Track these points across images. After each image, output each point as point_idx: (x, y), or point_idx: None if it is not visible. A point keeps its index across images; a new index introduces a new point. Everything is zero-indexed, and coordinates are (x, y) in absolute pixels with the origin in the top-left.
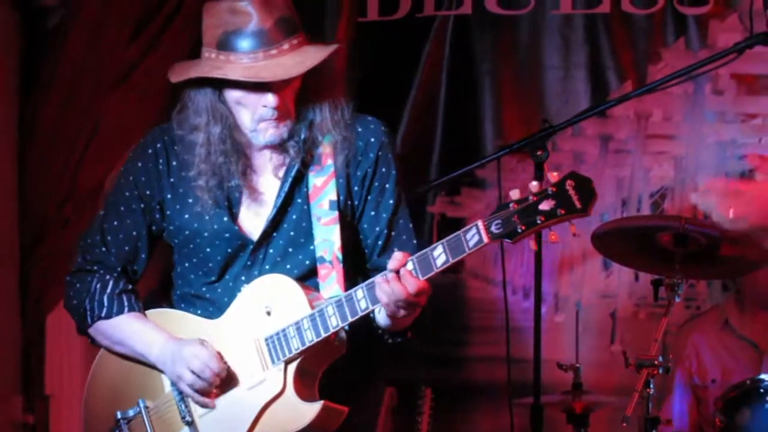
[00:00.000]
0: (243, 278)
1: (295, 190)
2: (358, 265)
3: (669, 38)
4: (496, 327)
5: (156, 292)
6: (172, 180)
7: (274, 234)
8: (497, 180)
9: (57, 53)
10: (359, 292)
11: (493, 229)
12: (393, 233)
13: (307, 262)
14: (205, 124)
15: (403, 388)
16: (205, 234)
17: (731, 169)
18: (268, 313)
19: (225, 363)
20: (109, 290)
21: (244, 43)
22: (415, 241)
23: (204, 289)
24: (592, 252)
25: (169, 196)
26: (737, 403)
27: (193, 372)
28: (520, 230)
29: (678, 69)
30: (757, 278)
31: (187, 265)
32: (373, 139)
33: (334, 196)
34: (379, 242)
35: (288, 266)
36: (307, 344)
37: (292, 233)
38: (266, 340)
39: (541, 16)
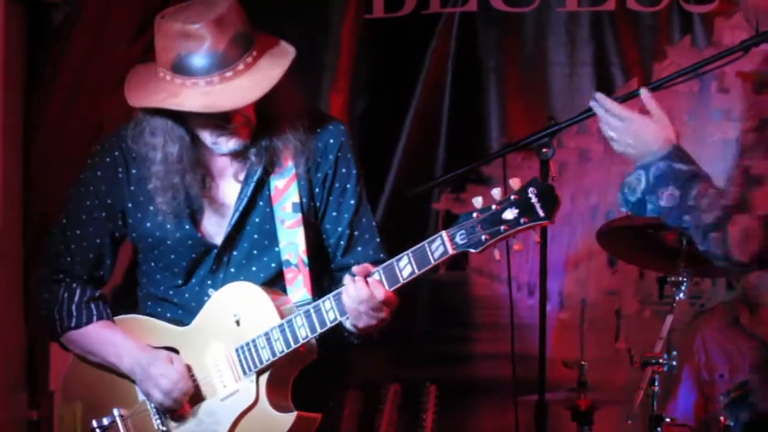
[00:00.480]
0: (209, 282)
1: (257, 193)
2: (323, 267)
3: (675, 36)
4: (501, 324)
5: (121, 288)
6: (132, 188)
7: (238, 238)
8: (503, 177)
9: (61, 51)
10: (327, 302)
11: (457, 239)
12: (356, 233)
13: (273, 265)
14: (162, 145)
15: (407, 384)
16: (168, 242)
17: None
18: (237, 323)
19: (194, 380)
20: (77, 299)
21: (199, 67)
22: (378, 239)
23: (171, 292)
24: (598, 249)
25: (129, 204)
26: (743, 401)
27: (161, 391)
28: (484, 239)
29: (683, 67)
30: (762, 277)
31: (152, 265)
32: (332, 140)
33: (296, 198)
34: (342, 242)
35: (254, 269)
36: (278, 355)
37: (255, 236)
38: (237, 350)
39: (547, 13)
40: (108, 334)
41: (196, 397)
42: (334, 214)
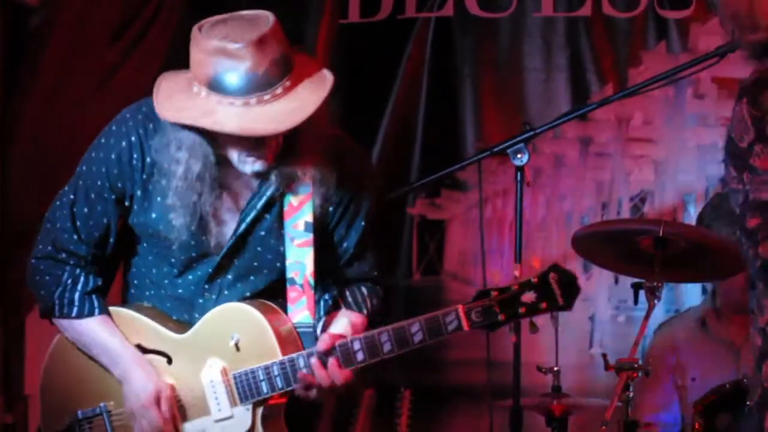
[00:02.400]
0: (206, 286)
1: (268, 207)
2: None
3: (650, 41)
4: (475, 329)
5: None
6: (144, 176)
7: (242, 247)
8: (478, 182)
9: (38, 55)
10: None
11: (473, 317)
12: (358, 251)
13: (273, 279)
14: (186, 160)
15: (382, 389)
16: (172, 236)
17: (712, 173)
18: (237, 347)
19: (185, 395)
20: (80, 287)
21: (237, 87)
22: (375, 258)
23: (166, 281)
24: (572, 255)
25: (139, 192)
26: (717, 406)
27: (140, 428)
28: (500, 320)
29: (659, 72)
30: (728, 282)
31: (148, 249)
32: (355, 168)
33: (310, 218)
34: (343, 258)
35: (252, 278)
36: (276, 391)
37: (258, 249)
38: (235, 377)
39: (522, 18)
40: (106, 336)
41: (191, 411)
42: (343, 231)
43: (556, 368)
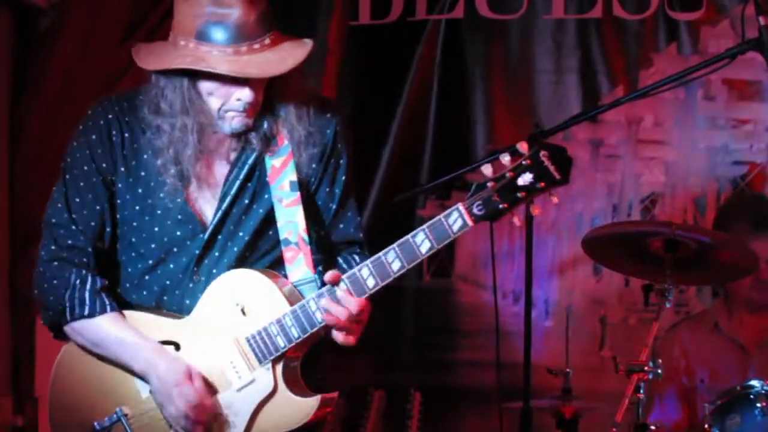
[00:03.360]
0: (195, 269)
1: (250, 175)
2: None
3: (660, 43)
4: (486, 331)
5: None
6: (125, 153)
7: (226, 221)
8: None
9: (47, 56)
10: (342, 284)
11: (475, 210)
12: (341, 209)
13: (264, 247)
14: (177, 113)
15: (392, 391)
16: (158, 211)
17: (722, 175)
18: (243, 311)
19: (204, 374)
20: (89, 287)
21: (227, 35)
22: (359, 218)
23: (147, 277)
24: (583, 257)
25: (122, 168)
26: (727, 409)
27: (179, 412)
28: (502, 208)
29: (669, 74)
30: (741, 282)
31: (129, 242)
32: (328, 115)
33: (294, 177)
34: (329, 219)
35: (235, 249)
36: (294, 341)
37: (243, 218)
38: (248, 339)
39: (533, 20)
40: (120, 330)
41: (209, 391)
42: (327, 189)
43: (566, 370)
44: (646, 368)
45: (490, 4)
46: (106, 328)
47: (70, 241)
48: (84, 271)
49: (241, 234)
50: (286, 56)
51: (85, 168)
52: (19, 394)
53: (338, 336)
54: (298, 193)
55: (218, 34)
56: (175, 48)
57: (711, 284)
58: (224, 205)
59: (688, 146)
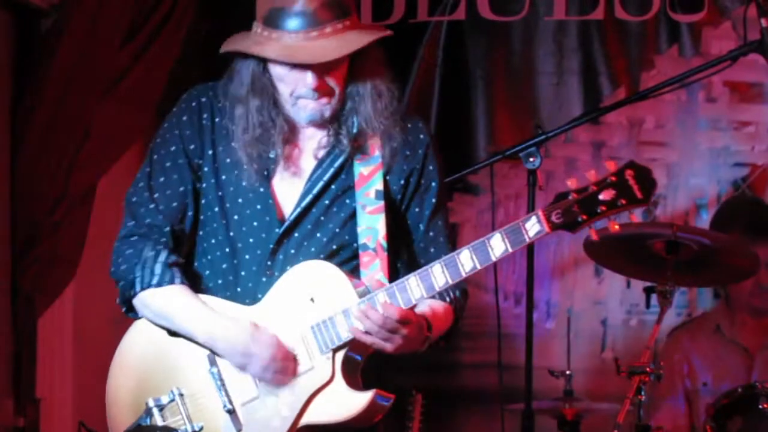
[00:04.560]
0: (269, 263)
1: (335, 177)
2: (398, 255)
3: (662, 45)
4: (487, 333)
5: None
6: (214, 137)
7: (303, 219)
8: (490, 186)
9: (49, 57)
10: (412, 279)
11: (553, 218)
12: (431, 233)
13: (334, 247)
14: (245, 95)
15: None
16: (239, 200)
17: (724, 177)
18: (312, 300)
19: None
20: (162, 259)
21: (288, 23)
22: (450, 246)
23: (227, 266)
24: (584, 259)
25: (210, 152)
26: (729, 410)
27: (267, 357)
28: (581, 220)
29: (671, 76)
30: (736, 285)
31: (209, 230)
32: (422, 136)
33: (380, 186)
34: (420, 243)
35: (312, 249)
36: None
37: (322, 218)
38: (312, 328)
39: (535, 22)
40: (186, 301)
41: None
42: (417, 210)
43: (568, 372)
44: (647, 370)
45: (491, 5)
46: (172, 298)
47: (148, 220)
48: (160, 246)
49: (318, 235)
50: (343, 45)
51: (173, 148)
52: (21, 395)
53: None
54: (382, 202)
55: (280, 21)
56: (248, 34)
57: (712, 286)
58: (304, 202)
59: (690, 148)
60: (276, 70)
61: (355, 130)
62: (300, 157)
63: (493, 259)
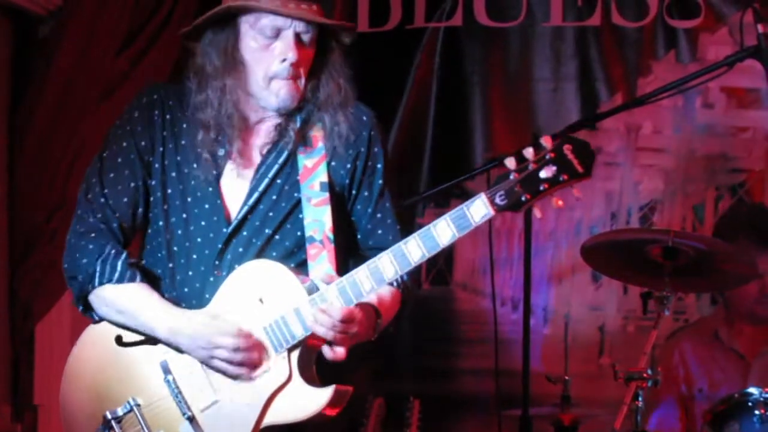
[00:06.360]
0: (216, 263)
1: (279, 172)
2: (348, 247)
3: (659, 51)
4: (484, 339)
5: None
6: (164, 134)
7: (250, 216)
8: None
9: (47, 64)
10: (361, 272)
11: (497, 200)
12: (378, 215)
13: (286, 243)
14: (219, 74)
15: (391, 398)
16: (188, 198)
17: (721, 183)
18: (261, 301)
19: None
20: (123, 258)
21: None
22: (398, 227)
23: (174, 266)
24: (581, 265)
25: (160, 149)
26: (725, 416)
27: (230, 347)
28: (524, 199)
29: (668, 82)
30: (739, 292)
31: (155, 230)
32: (365, 118)
33: (324, 178)
34: (368, 225)
35: (259, 244)
36: (311, 331)
37: (270, 214)
38: (264, 329)
39: (532, 28)
40: (148, 298)
41: (223, 378)
42: (366, 194)
43: (565, 378)
44: (644, 375)
45: (488, 11)
46: (133, 295)
47: (100, 215)
48: (120, 246)
49: (267, 231)
50: (326, 18)
51: (124, 144)
52: (18, 402)
53: (325, 350)
54: (327, 194)
55: None
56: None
57: (710, 291)
58: (251, 200)
59: (687, 154)
60: (252, 45)
61: (299, 124)
62: (247, 153)
63: (441, 245)
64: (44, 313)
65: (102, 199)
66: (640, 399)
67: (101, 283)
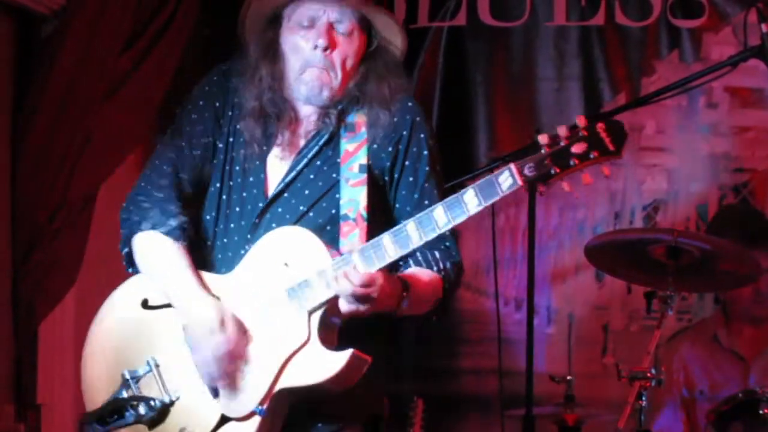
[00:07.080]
0: (249, 236)
1: (319, 152)
2: (383, 228)
3: (663, 51)
4: (488, 338)
5: None
6: (235, 100)
7: (286, 191)
8: None
9: (50, 63)
10: (386, 238)
11: (526, 172)
12: (426, 202)
13: (311, 214)
14: (264, 66)
15: (394, 398)
16: (237, 167)
17: (724, 182)
18: (286, 265)
19: (247, 349)
20: (182, 219)
21: None
22: None
23: (213, 232)
24: (585, 264)
25: (229, 113)
26: (729, 416)
27: (208, 361)
28: (554, 172)
29: (671, 81)
30: (735, 293)
31: (211, 190)
32: (410, 104)
33: (364, 161)
34: (415, 212)
35: (288, 216)
36: (332, 295)
37: (306, 192)
38: (287, 291)
39: (535, 27)
40: (182, 262)
41: (242, 342)
42: (411, 179)
43: (569, 377)
44: (648, 375)
45: (492, 11)
46: (172, 253)
47: (165, 181)
48: (180, 206)
49: (301, 208)
50: (360, 2)
51: (201, 103)
52: (21, 401)
53: (342, 303)
54: (365, 175)
55: None
56: None
57: (713, 291)
58: (288, 178)
59: (691, 153)
60: (291, 39)
61: (342, 110)
62: (293, 139)
63: (468, 213)
64: (47, 312)
65: (176, 151)
66: (643, 398)
67: (152, 227)
